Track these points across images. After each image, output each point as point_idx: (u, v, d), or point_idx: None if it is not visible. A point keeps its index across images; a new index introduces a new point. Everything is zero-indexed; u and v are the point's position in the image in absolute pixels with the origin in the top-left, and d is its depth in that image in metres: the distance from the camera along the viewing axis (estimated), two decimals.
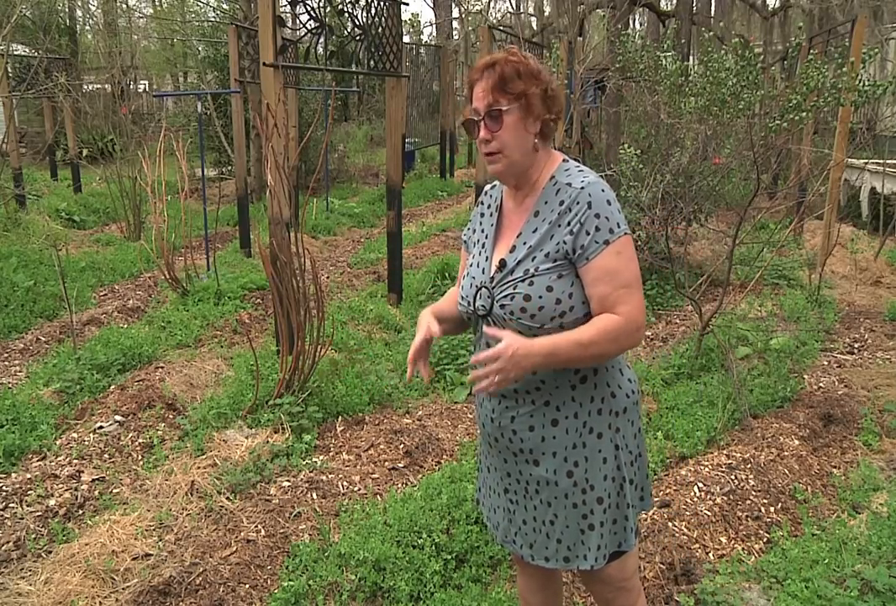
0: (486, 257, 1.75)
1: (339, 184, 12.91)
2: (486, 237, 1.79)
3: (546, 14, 21.12)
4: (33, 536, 2.86)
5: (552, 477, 1.73)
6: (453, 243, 8.63)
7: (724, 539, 2.85)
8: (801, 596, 2.40)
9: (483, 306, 1.71)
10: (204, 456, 3.43)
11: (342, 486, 3.26)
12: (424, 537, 2.70)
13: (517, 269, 1.66)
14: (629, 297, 1.60)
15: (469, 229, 1.89)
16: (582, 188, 1.62)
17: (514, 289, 1.64)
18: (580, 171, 1.69)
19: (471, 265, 1.80)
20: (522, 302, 1.63)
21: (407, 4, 5.51)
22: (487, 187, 1.89)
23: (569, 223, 1.61)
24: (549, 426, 1.70)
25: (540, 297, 1.62)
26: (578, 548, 1.76)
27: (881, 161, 8.54)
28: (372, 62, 5.22)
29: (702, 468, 3.26)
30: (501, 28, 13.03)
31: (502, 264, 1.69)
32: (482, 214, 1.85)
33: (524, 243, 1.67)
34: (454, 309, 1.86)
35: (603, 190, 1.63)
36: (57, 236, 7.72)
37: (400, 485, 3.28)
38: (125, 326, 5.42)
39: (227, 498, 3.13)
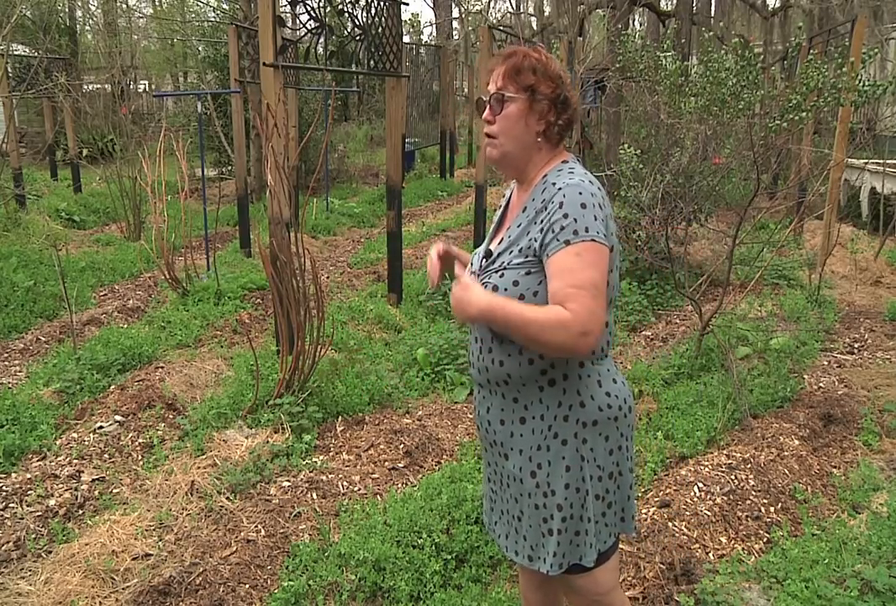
0: (485, 247, 1.84)
1: (339, 184, 12.91)
2: (493, 229, 1.88)
3: (546, 14, 21.12)
4: (33, 536, 2.86)
5: (518, 474, 1.76)
6: (453, 242, 8.64)
7: (724, 539, 2.85)
8: (801, 596, 2.40)
9: None
10: (204, 456, 3.43)
11: (342, 486, 3.26)
12: (424, 537, 2.70)
13: (497, 260, 1.73)
14: (578, 297, 1.53)
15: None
16: (559, 189, 1.62)
17: (489, 279, 1.70)
18: (570, 172, 1.68)
19: (473, 254, 1.90)
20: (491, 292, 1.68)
21: (407, 4, 5.51)
22: (512, 183, 1.94)
23: (541, 221, 1.63)
24: (518, 423, 1.74)
25: (505, 289, 1.66)
26: (539, 550, 1.78)
27: (881, 161, 8.54)
28: (372, 62, 5.22)
29: (702, 468, 3.26)
30: (501, 28, 13.04)
31: (488, 254, 1.77)
32: (500, 208, 1.93)
33: (508, 237, 1.73)
34: None
35: (580, 193, 1.60)
36: (57, 236, 7.73)
37: (400, 485, 3.28)
38: (125, 326, 5.42)
39: (227, 498, 3.13)
